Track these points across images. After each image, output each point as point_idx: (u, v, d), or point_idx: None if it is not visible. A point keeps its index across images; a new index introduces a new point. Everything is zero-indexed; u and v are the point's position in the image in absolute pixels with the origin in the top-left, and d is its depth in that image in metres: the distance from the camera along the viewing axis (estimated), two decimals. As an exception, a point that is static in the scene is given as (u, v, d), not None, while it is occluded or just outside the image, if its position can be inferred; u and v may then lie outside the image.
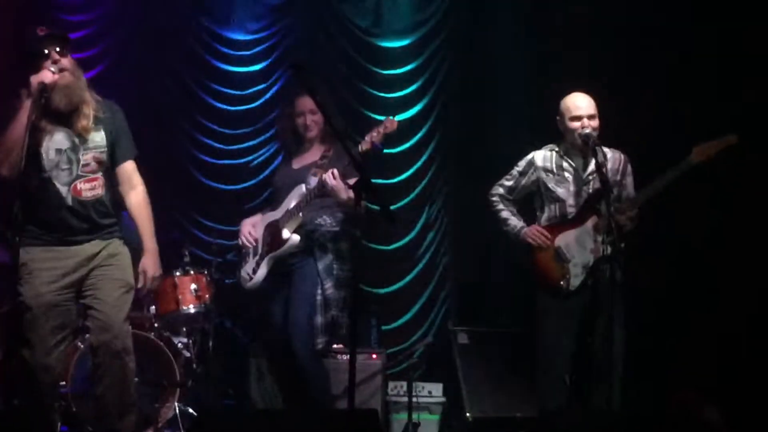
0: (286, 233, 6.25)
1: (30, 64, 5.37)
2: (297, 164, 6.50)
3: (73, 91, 5.40)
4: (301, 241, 6.23)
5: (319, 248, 6.32)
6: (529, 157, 6.51)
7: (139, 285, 5.59)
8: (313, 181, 6.17)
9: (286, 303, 6.32)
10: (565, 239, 6.27)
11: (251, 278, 6.37)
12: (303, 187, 6.27)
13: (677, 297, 7.07)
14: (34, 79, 5.25)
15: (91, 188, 5.52)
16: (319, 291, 6.32)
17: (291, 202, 6.31)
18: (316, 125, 6.36)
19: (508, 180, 6.55)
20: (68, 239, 5.47)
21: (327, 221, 6.33)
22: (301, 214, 6.23)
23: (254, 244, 6.42)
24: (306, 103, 6.32)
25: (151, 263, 5.61)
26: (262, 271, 6.32)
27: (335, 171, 5.98)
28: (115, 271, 5.54)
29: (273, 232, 6.35)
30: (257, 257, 6.39)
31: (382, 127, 6.01)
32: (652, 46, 7.44)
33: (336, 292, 6.35)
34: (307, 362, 6.27)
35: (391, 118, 6.10)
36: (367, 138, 6.02)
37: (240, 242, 6.50)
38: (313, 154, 6.44)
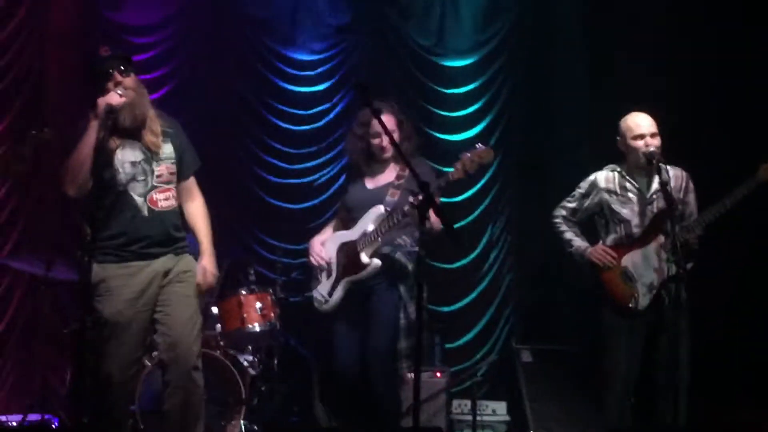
0: (365, 257, 6.16)
1: (95, 84, 5.43)
2: (371, 184, 6.43)
3: (137, 108, 5.43)
4: (381, 265, 6.17)
5: (399, 270, 6.25)
6: (592, 178, 6.50)
7: (198, 279, 5.60)
8: (391, 202, 6.13)
9: (362, 326, 6.26)
10: (631, 259, 6.24)
11: (327, 300, 6.29)
12: (381, 208, 6.18)
13: (740, 315, 7.02)
14: (101, 102, 5.28)
15: (166, 198, 5.56)
16: (402, 315, 6.27)
17: (368, 224, 6.20)
18: (391, 146, 6.26)
19: (570, 202, 6.54)
20: (144, 252, 5.48)
21: (407, 241, 6.27)
22: (380, 239, 6.14)
23: (325, 263, 6.34)
24: (369, 121, 6.25)
25: (209, 263, 5.67)
26: (338, 294, 6.24)
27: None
28: (187, 288, 5.57)
29: (350, 254, 6.24)
30: (332, 279, 6.29)
31: (476, 156, 5.96)
32: (708, 65, 7.39)
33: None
34: (386, 389, 6.25)
35: (485, 147, 6.02)
36: (458, 166, 5.98)
37: (310, 261, 6.42)
38: (388, 175, 6.39)
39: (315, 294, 6.39)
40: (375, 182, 6.41)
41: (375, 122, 6.13)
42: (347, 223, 6.40)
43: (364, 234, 6.20)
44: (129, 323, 5.42)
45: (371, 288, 6.26)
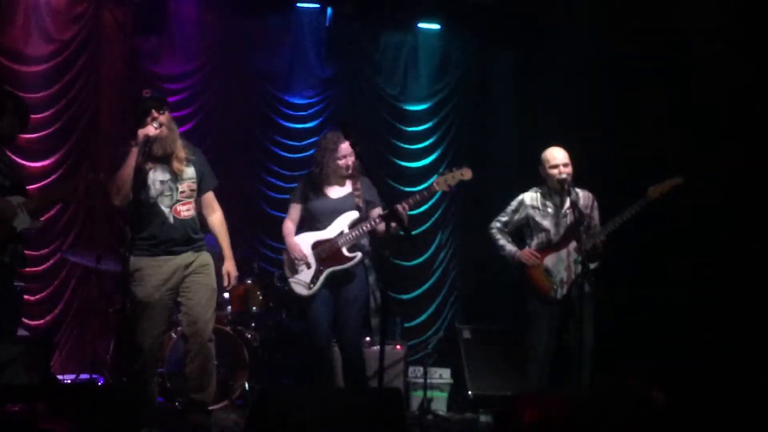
0: (347, 252, 6.08)
1: (138, 118, 5.47)
2: (334, 194, 6.25)
3: (168, 142, 5.53)
4: (362, 257, 6.13)
5: (365, 264, 6.20)
6: (520, 198, 6.48)
7: (225, 284, 5.77)
8: (360, 209, 6.08)
9: (335, 306, 6.14)
10: (551, 260, 6.24)
11: (311, 287, 6.11)
12: (356, 213, 6.12)
13: (635, 304, 7.01)
14: (141, 132, 5.36)
15: (187, 209, 5.64)
16: (373, 299, 6.24)
17: (344, 225, 6.11)
18: (353, 165, 6.17)
19: (503, 216, 6.51)
20: (170, 250, 5.56)
21: (366, 244, 6.22)
22: (355, 237, 6.07)
23: (304, 258, 6.16)
24: (348, 149, 6.09)
25: (232, 267, 5.84)
26: (321, 281, 6.09)
27: (405, 205, 5.83)
28: (205, 278, 5.66)
29: (329, 249, 6.10)
30: (312, 270, 6.12)
31: (459, 174, 5.98)
32: (609, 113, 7.39)
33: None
34: (357, 354, 6.19)
35: (467, 167, 6.03)
36: (441, 179, 6.00)
37: (293, 256, 6.16)
38: (347, 188, 6.25)
39: (296, 282, 6.15)
40: (337, 192, 6.25)
41: (343, 147, 6.08)
42: (311, 225, 6.23)
43: (342, 234, 6.10)
44: (156, 303, 5.52)
45: (348, 276, 6.14)
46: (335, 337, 6.27)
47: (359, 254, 6.11)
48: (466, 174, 6.02)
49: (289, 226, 6.29)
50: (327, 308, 6.15)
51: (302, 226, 6.29)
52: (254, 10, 8.76)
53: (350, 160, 6.14)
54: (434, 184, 6.03)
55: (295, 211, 6.30)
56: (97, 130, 8.33)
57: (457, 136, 9.44)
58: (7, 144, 5.92)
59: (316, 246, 6.15)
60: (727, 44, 6.50)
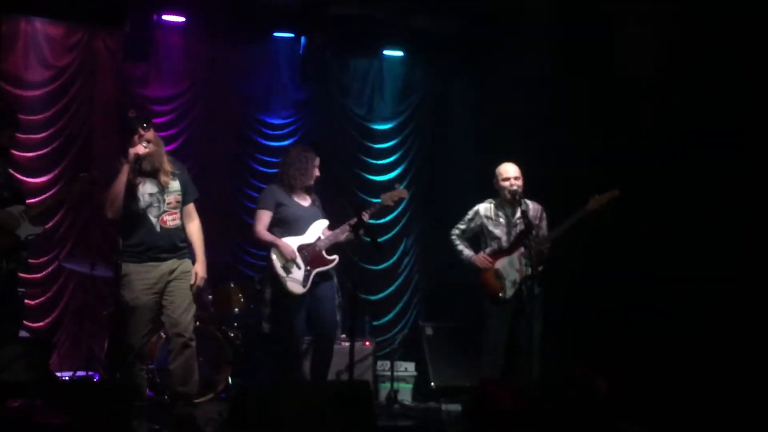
0: (326, 255, 6.26)
1: (125, 136, 5.51)
2: (303, 202, 6.37)
3: (155, 158, 5.56)
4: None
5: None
6: (475, 208, 6.54)
7: (191, 282, 5.66)
8: (343, 227, 6.21)
9: (311, 303, 6.25)
10: (501, 263, 6.31)
11: (305, 286, 6.20)
12: (326, 222, 6.35)
13: (578, 302, 7.07)
14: (132, 151, 5.40)
15: (173, 219, 5.66)
16: (338, 297, 6.39)
17: (319, 232, 6.30)
18: (315, 179, 6.36)
19: (461, 225, 6.57)
20: (156, 256, 5.56)
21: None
22: (328, 243, 6.26)
23: (296, 259, 6.21)
24: (318, 162, 6.30)
25: (201, 269, 5.72)
26: (310, 281, 6.20)
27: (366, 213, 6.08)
28: (186, 283, 5.66)
29: (312, 252, 6.24)
30: (302, 270, 6.20)
31: (398, 193, 6.45)
32: (557, 132, 7.46)
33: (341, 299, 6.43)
34: (331, 345, 6.35)
35: (402, 188, 6.55)
36: (386, 196, 6.42)
37: (289, 257, 6.17)
38: (308, 200, 6.41)
39: (291, 281, 6.20)
40: (304, 201, 6.39)
41: (314, 161, 6.31)
42: (286, 231, 6.29)
43: (320, 239, 6.27)
44: (143, 306, 5.50)
45: (324, 276, 6.31)
46: (311, 330, 6.37)
47: (337, 257, 6.27)
48: (403, 194, 6.50)
49: (265, 231, 6.30)
50: (304, 306, 6.26)
51: (272, 232, 6.31)
52: (234, 39, 8.76)
53: (316, 172, 6.32)
54: (382, 198, 6.42)
55: (266, 217, 6.31)
56: (91, 148, 8.32)
57: (419, 151, 9.50)
58: (4, 156, 5.94)
59: (301, 250, 6.24)
60: (657, 69, 6.62)
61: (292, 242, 6.25)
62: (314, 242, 6.27)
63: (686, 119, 6.47)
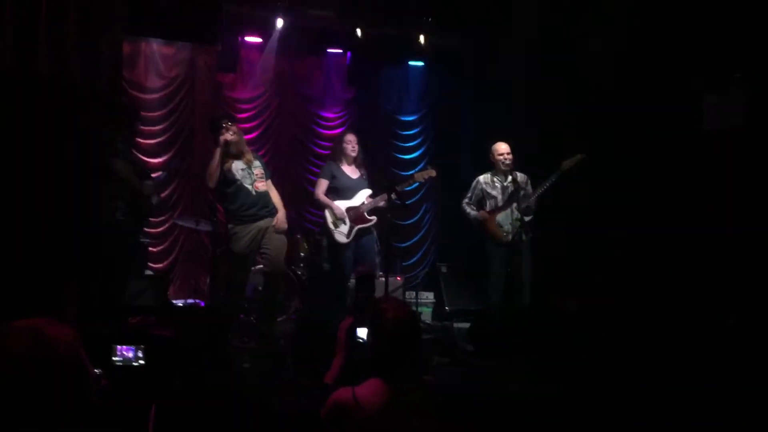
0: (367, 215, 6.16)
1: (215, 128, 5.49)
2: (353, 174, 6.26)
3: (238, 144, 5.49)
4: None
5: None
6: (477, 179, 6.43)
7: (275, 224, 5.58)
8: (381, 195, 6.04)
9: (356, 251, 6.19)
10: (500, 216, 6.20)
11: (348, 237, 6.14)
12: (370, 191, 6.23)
13: (559, 245, 6.90)
14: (221, 139, 5.36)
15: (263, 185, 5.58)
16: (377, 246, 6.42)
17: (363, 198, 6.18)
18: (357, 153, 6.25)
19: (468, 194, 6.43)
20: (254, 215, 5.49)
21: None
22: (372, 205, 6.15)
23: (344, 217, 6.15)
24: (353, 138, 6.27)
25: (282, 217, 5.62)
26: (353, 235, 6.14)
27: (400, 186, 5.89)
28: (276, 235, 5.61)
29: (357, 213, 6.15)
30: (347, 226, 6.13)
31: (427, 174, 6.23)
32: (538, 120, 7.25)
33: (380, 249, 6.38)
34: (372, 281, 6.11)
35: (433, 169, 6.31)
36: (418, 174, 6.27)
37: (336, 214, 6.13)
38: (357, 172, 6.29)
39: (339, 233, 6.15)
40: (353, 173, 6.26)
41: (350, 136, 6.26)
42: (338, 195, 6.20)
43: (363, 204, 6.17)
44: (246, 255, 5.48)
45: (365, 232, 6.22)
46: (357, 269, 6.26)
47: (375, 217, 6.16)
48: (432, 173, 6.22)
49: (322, 195, 6.23)
50: (352, 254, 6.19)
51: (328, 197, 6.24)
52: (299, 54, 8.69)
53: (353, 145, 6.19)
54: (414, 176, 6.26)
55: (324, 185, 6.24)
56: (193, 138, 8.27)
57: (436, 138, 9.33)
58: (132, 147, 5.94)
59: (348, 210, 6.18)
60: (618, 71, 6.40)
61: (342, 205, 6.19)
62: (359, 206, 6.19)
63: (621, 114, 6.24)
